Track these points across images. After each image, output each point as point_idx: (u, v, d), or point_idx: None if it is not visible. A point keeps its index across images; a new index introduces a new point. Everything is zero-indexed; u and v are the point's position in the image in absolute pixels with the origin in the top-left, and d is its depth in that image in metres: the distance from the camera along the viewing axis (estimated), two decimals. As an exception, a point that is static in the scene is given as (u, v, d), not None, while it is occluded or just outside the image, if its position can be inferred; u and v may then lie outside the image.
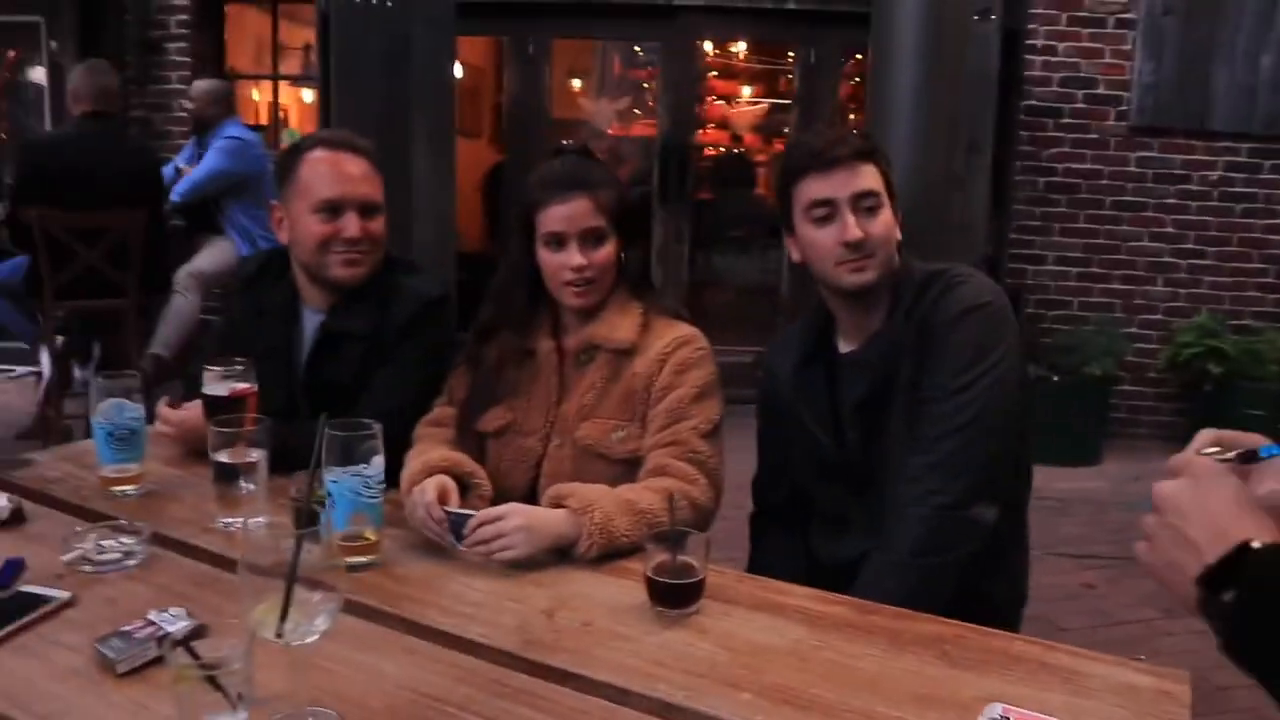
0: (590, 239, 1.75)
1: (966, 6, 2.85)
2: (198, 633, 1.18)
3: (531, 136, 6.13)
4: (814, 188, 1.69)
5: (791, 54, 6.34)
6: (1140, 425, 5.41)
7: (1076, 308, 5.43)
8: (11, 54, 6.30)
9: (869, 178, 1.69)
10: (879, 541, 1.64)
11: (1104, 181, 5.36)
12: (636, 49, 7.10)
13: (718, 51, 7.48)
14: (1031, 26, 5.24)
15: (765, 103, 7.51)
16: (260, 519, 1.57)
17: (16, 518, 1.60)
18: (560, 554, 1.52)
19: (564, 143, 1.87)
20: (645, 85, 7.10)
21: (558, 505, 1.55)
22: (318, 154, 1.95)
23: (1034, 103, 5.33)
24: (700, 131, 7.24)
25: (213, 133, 4.89)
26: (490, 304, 1.87)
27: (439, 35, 5.17)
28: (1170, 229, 5.37)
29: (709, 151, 7.53)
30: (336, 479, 1.46)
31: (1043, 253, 5.45)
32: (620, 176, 7.91)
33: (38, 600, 1.31)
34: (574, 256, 1.74)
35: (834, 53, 5.85)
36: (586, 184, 1.75)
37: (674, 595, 1.35)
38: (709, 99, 7.55)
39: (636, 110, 7.81)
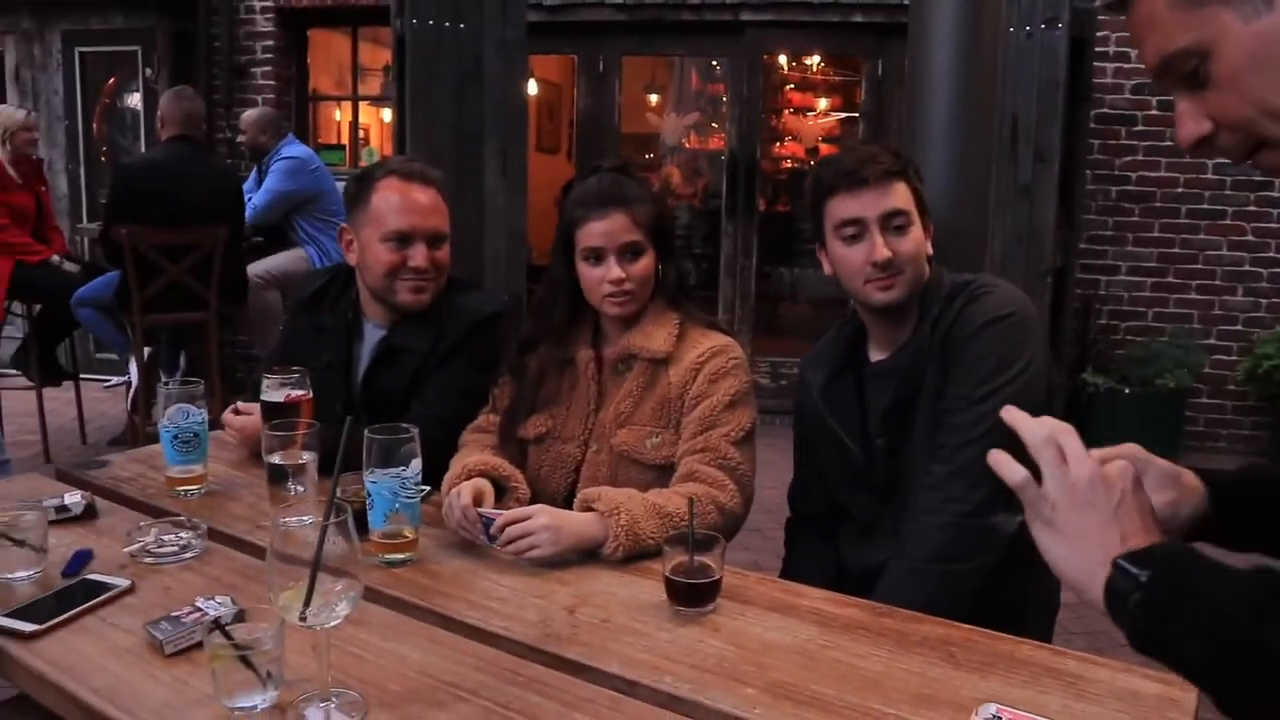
0: (628, 253, 1.82)
1: (1003, 17, 2.85)
2: (238, 618, 1.27)
3: (602, 152, 6.24)
4: (844, 206, 1.74)
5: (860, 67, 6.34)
6: (1218, 439, 5.26)
7: (1151, 318, 5.32)
8: (110, 81, 6.66)
9: (898, 197, 1.72)
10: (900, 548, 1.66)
11: (1179, 189, 5.25)
12: (713, 63, 7.17)
13: (792, 65, 7.51)
14: (1102, 34, 5.17)
15: (835, 116, 7.51)
16: (307, 518, 1.67)
17: (89, 513, 1.73)
18: (588, 554, 1.58)
19: (599, 163, 1.93)
20: (723, 99, 7.17)
21: (587, 508, 1.62)
22: (389, 183, 2.03)
23: (1106, 110, 5.25)
24: (772, 145, 7.28)
25: (269, 158, 5.10)
26: (532, 317, 1.95)
27: (511, 55, 5.32)
28: (1250, 237, 5.22)
29: (783, 165, 7.57)
30: (376, 480, 1.54)
31: (1115, 263, 5.35)
32: (698, 190, 8.01)
33: (101, 587, 1.43)
34: (613, 270, 1.80)
35: (901, 65, 5.84)
36: (623, 200, 1.82)
37: (690, 594, 1.40)
38: (784, 112, 7.59)
39: (714, 124, 7.88)
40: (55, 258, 4.83)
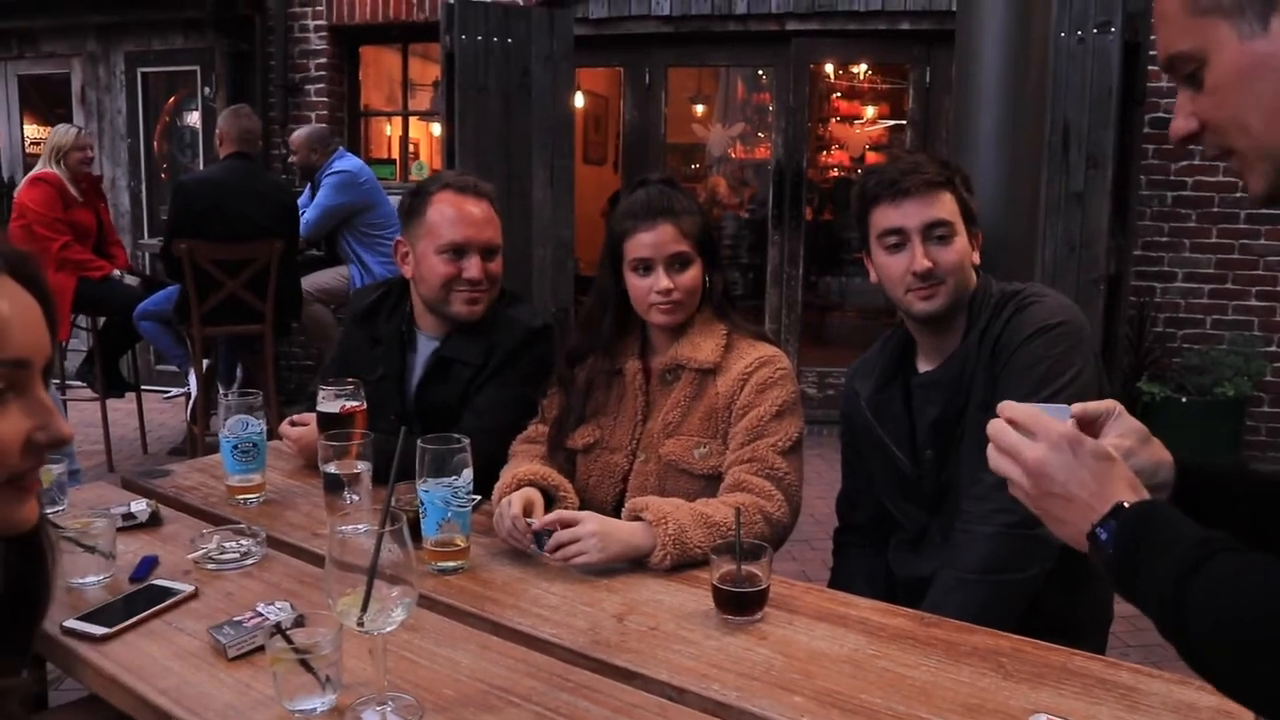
0: (675, 263, 1.84)
1: (1053, 22, 2.83)
2: (297, 623, 1.31)
3: (649, 163, 6.27)
4: (887, 216, 1.74)
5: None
6: (1280, 449, 5.15)
7: (1209, 326, 5.22)
8: (171, 100, 6.84)
9: (941, 207, 1.73)
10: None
11: (1238, 194, 5.14)
12: (760, 73, 7.17)
13: (839, 73, 7.50)
14: (1156, 37, 5.09)
15: (882, 124, 7.48)
16: (363, 526, 1.71)
17: (154, 520, 1.79)
18: (637, 563, 1.60)
19: (647, 175, 1.96)
20: (769, 108, 7.18)
21: (635, 517, 1.64)
22: (445, 196, 2.08)
23: (1161, 115, 5.17)
24: (818, 154, 7.27)
25: (320, 172, 5.20)
26: (580, 329, 1.98)
27: (558, 68, 5.40)
28: (1313, 242, 5.11)
29: (830, 173, 7.55)
30: (429, 489, 1.58)
31: (1172, 269, 5.26)
32: (744, 200, 8.01)
33: (167, 592, 1.48)
34: (661, 280, 1.83)
35: (949, 73, 5.80)
36: (670, 212, 1.84)
37: (737, 603, 1.41)
38: (830, 120, 7.57)
39: (760, 134, 7.89)
40: (117, 272, 4.97)
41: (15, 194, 5.01)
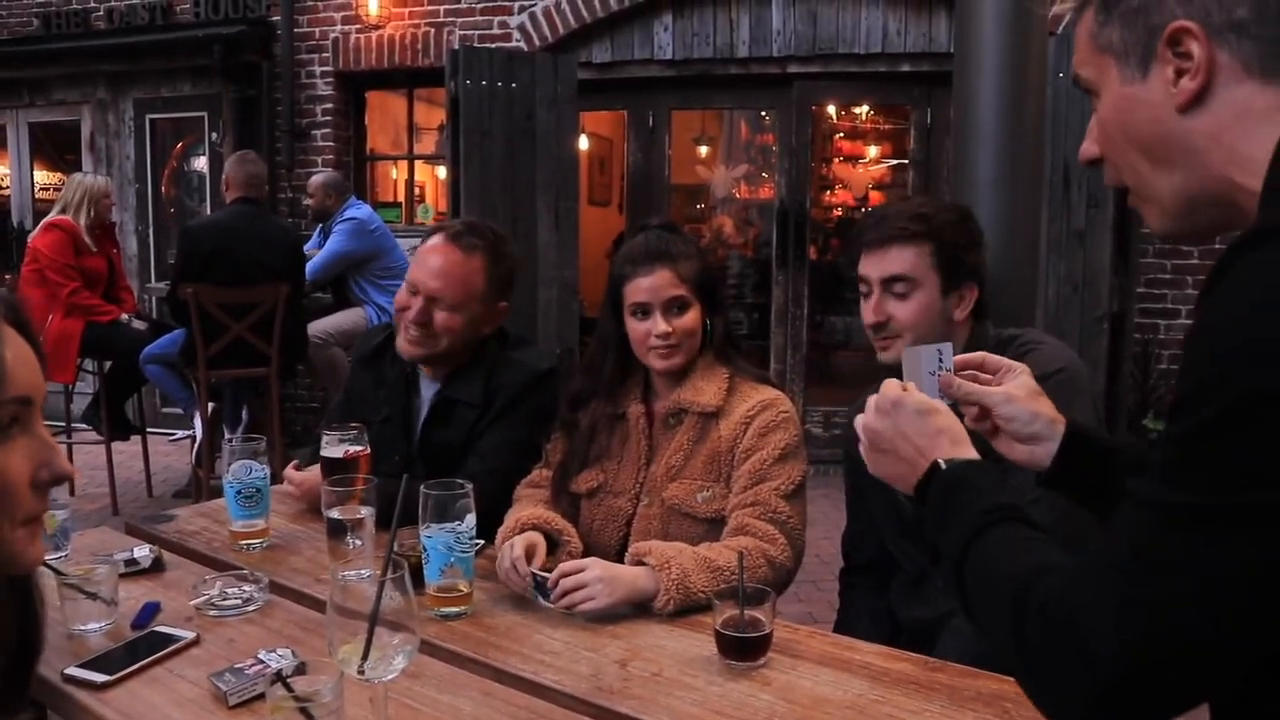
0: (673, 307, 1.85)
1: (1050, 63, 2.86)
2: (299, 670, 1.31)
3: (653, 204, 6.32)
4: (861, 263, 1.79)
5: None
6: (1289, 487, 5.11)
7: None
8: (179, 146, 6.92)
9: (901, 261, 1.73)
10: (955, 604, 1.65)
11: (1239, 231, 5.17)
12: (763, 114, 7.24)
13: (841, 114, 7.57)
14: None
15: (885, 165, 7.54)
16: (365, 572, 1.70)
17: (157, 566, 1.79)
18: (640, 608, 1.59)
19: (650, 220, 1.99)
20: (773, 149, 7.25)
21: (639, 562, 1.63)
22: (432, 239, 2.12)
23: (1161, 155, 5.20)
24: (822, 194, 7.32)
25: (333, 219, 5.27)
26: (583, 373, 1.99)
27: (562, 112, 5.46)
28: (1316, 279, 5.11)
29: (834, 214, 7.60)
30: (432, 534, 1.58)
31: (1175, 306, 5.28)
32: (749, 240, 8.03)
33: (168, 639, 1.47)
34: (658, 324, 1.84)
35: (949, 113, 5.86)
36: (668, 256, 1.86)
37: (741, 648, 1.41)
38: (834, 160, 7.63)
39: (764, 174, 7.95)
40: (125, 317, 5.00)
41: (30, 239, 5.06)
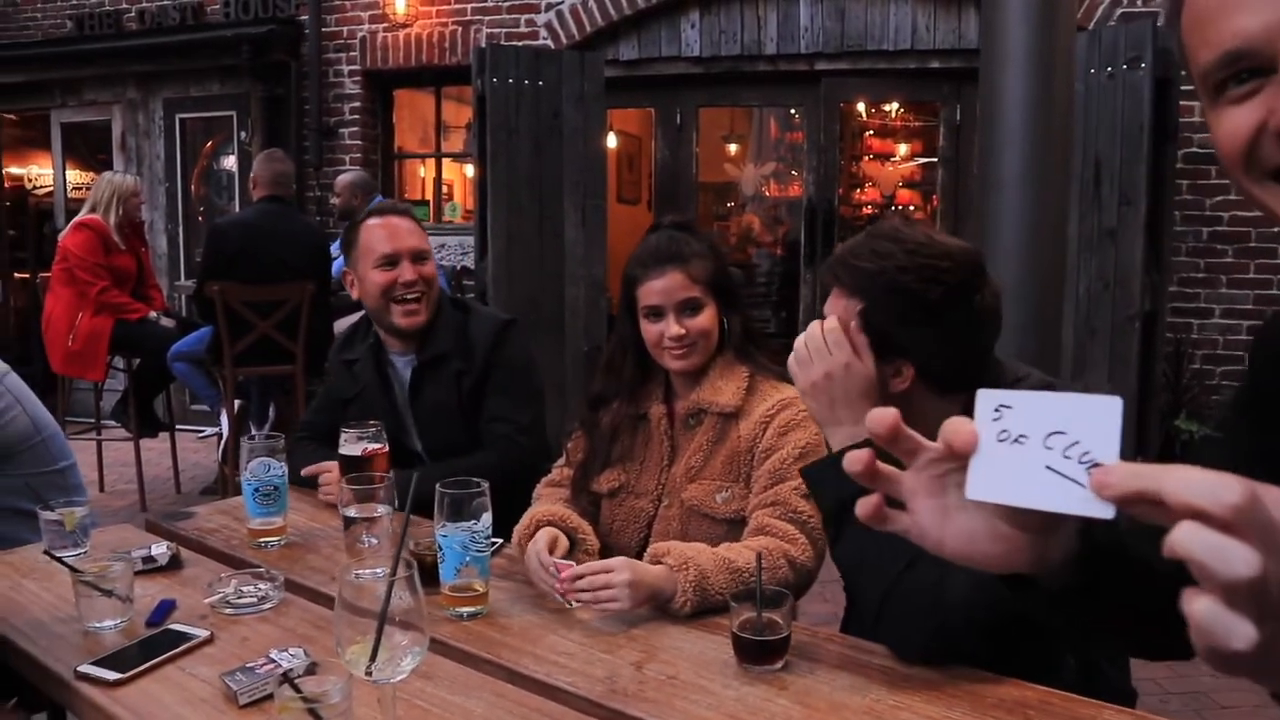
0: (686, 309, 1.83)
1: (1080, 59, 2.80)
2: (310, 670, 1.30)
3: (681, 202, 6.30)
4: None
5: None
6: (1327, 490, 5.00)
7: (1249, 363, 5.11)
8: (208, 145, 6.97)
9: (834, 307, 1.55)
10: None
11: (1278, 229, 5.06)
12: (793, 111, 7.20)
13: (870, 112, 7.50)
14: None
15: (914, 162, 7.46)
16: (378, 570, 1.69)
17: (174, 563, 1.79)
18: (657, 609, 1.57)
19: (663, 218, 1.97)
20: (802, 147, 7.20)
21: (656, 562, 1.61)
22: (370, 222, 2.31)
23: (1195, 150, 5.11)
24: (852, 191, 7.25)
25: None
26: (602, 373, 1.97)
27: (589, 109, 5.45)
28: (1356, 277, 5.01)
29: (863, 211, 7.52)
30: (447, 534, 1.56)
31: (1209, 306, 5.18)
32: (778, 238, 7.94)
33: (182, 637, 1.47)
34: (671, 326, 1.82)
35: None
36: (679, 258, 1.84)
37: (757, 652, 1.38)
38: (863, 158, 7.56)
39: (793, 172, 7.89)
40: (153, 314, 5.04)
41: (59, 238, 5.11)
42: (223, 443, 4.76)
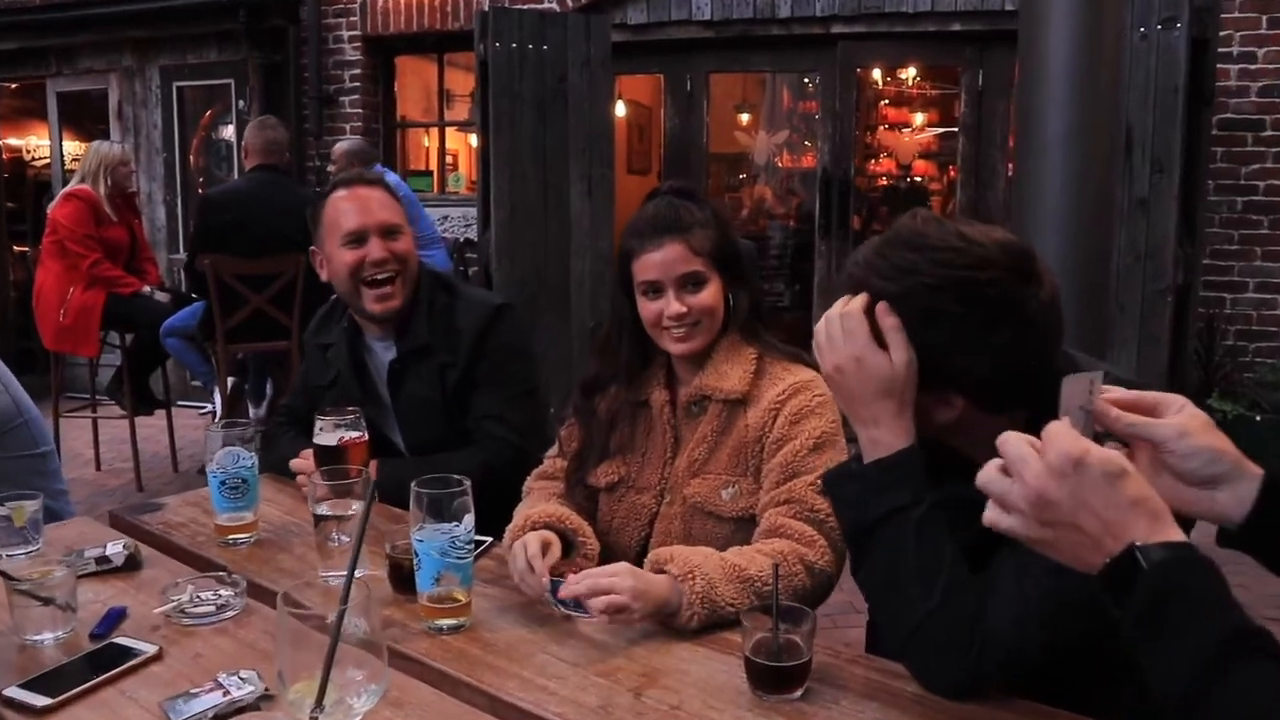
0: (688, 284, 1.64)
1: (1122, 18, 2.59)
2: (260, 700, 1.14)
3: (691, 172, 6.10)
4: None
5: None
6: (1365, 471, 4.81)
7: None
8: (207, 114, 6.79)
9: None
10: None
11: (1315, 200, 4.85)
12: (806, 79, 6.97)
13: (887, 79, 7.27)
14: (1225, 33, 4.81)
15: (932, 131, 7.23)
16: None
17: (131, 564, 1.62)
18: (660, 622, 1.40)
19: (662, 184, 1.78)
20: (816, 116, 6.98)
21: (659, 570, 1.44)
22: (336, 194, 2.09)
23: (1230, 116, 4.89)
24: (867, 162, 7.03)
25: None
26: (597, 356, 1.79)
27: (595, 75, 5.23)
28: (1397, 250, 4.79)
29: (879, 182, 7.31)
30: (424, 538, 1.39)
31: (1243, 279, 4.97)
32: (791, 209, 7.75)
33: (127, 653, 1.31)
34: (671, 304, 1.63)
35: (1004, 75, 5.55)
36: (678, 227, 1.65)
37: (775, 679, 1.21)
38: (879, 128, 7.34)
39: (807, 142, 7.67)
40: (148, 289, 4.88)
41: (49, 210, 4.95)
42: (216, 421, 4.61)
